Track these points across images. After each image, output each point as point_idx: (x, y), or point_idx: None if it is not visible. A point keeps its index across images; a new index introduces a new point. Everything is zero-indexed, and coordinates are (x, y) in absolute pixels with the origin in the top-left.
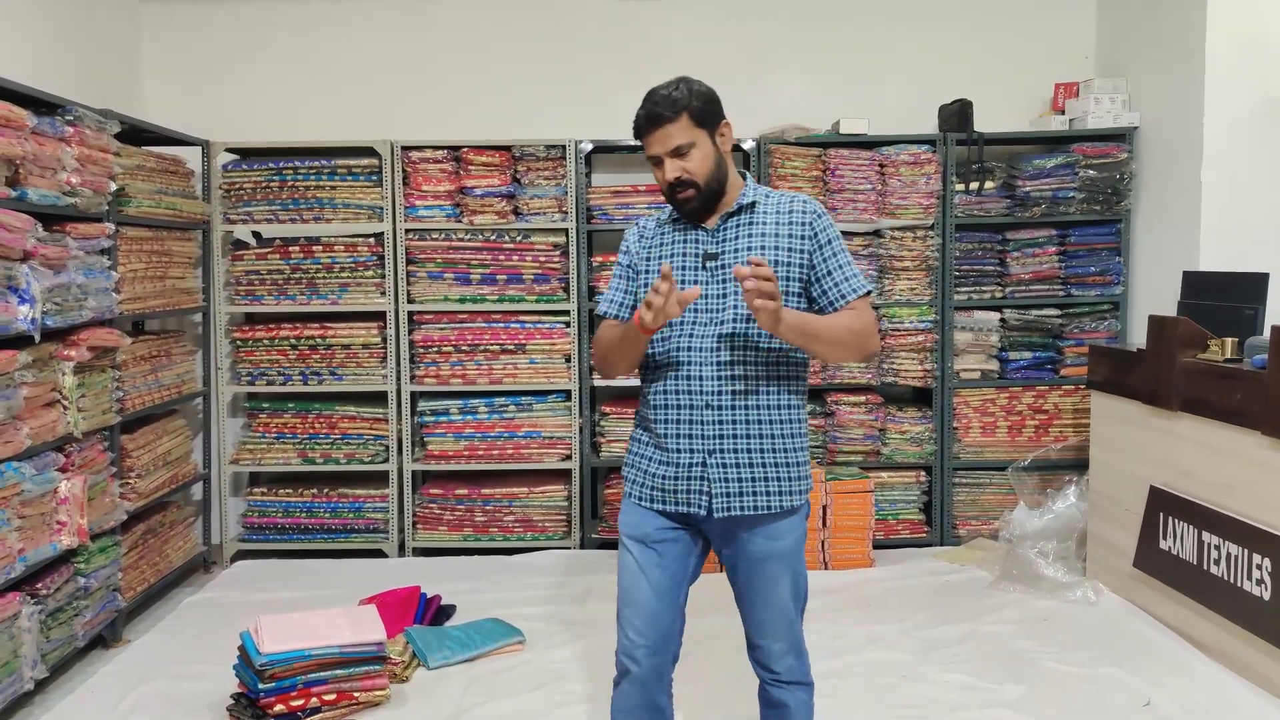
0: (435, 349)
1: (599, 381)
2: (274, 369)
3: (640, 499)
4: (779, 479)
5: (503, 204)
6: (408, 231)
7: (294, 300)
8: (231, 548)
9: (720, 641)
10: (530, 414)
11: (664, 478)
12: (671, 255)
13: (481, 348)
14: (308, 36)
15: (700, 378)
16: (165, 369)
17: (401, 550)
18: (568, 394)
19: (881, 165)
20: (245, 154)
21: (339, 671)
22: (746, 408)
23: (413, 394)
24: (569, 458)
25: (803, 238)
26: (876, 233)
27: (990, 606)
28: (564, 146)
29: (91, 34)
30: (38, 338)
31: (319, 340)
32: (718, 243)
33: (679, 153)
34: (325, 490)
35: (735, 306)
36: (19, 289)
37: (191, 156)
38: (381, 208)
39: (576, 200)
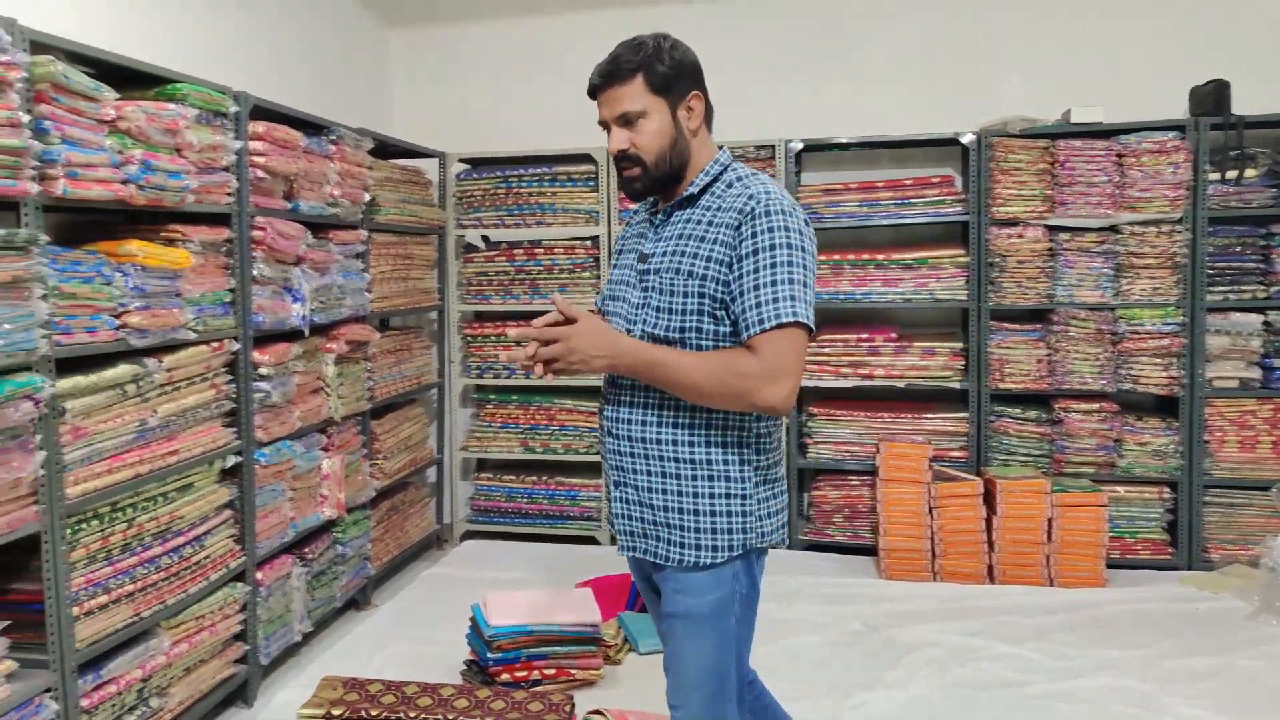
0: None
1: (805, 381)
2: (499, 364)
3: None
4: (682, 528)
5: None
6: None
7: (518, 299)
8: (460, 527)
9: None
10: None
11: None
12: (626, 251)
13: None
14: (528, 54)
15: (605, 398)
16: (407, 361)
17: (613, 539)
18: None
19: (1119, 155)
20: (476, 164)
21: (558, 649)
22: (646, 440)
23: None
24: None
25: (723, 244)
26: (1113, 228)
27: (1248, 640)
28: (773, 146)
29: (350, 60)
30: (307, 332)
31: None
32: (656, 239)
33: (627, 120)
34: (544, 478)
35: (644, 321)
36: (293, 289)
37: (430, 167)
38: (597, 211)
39: None
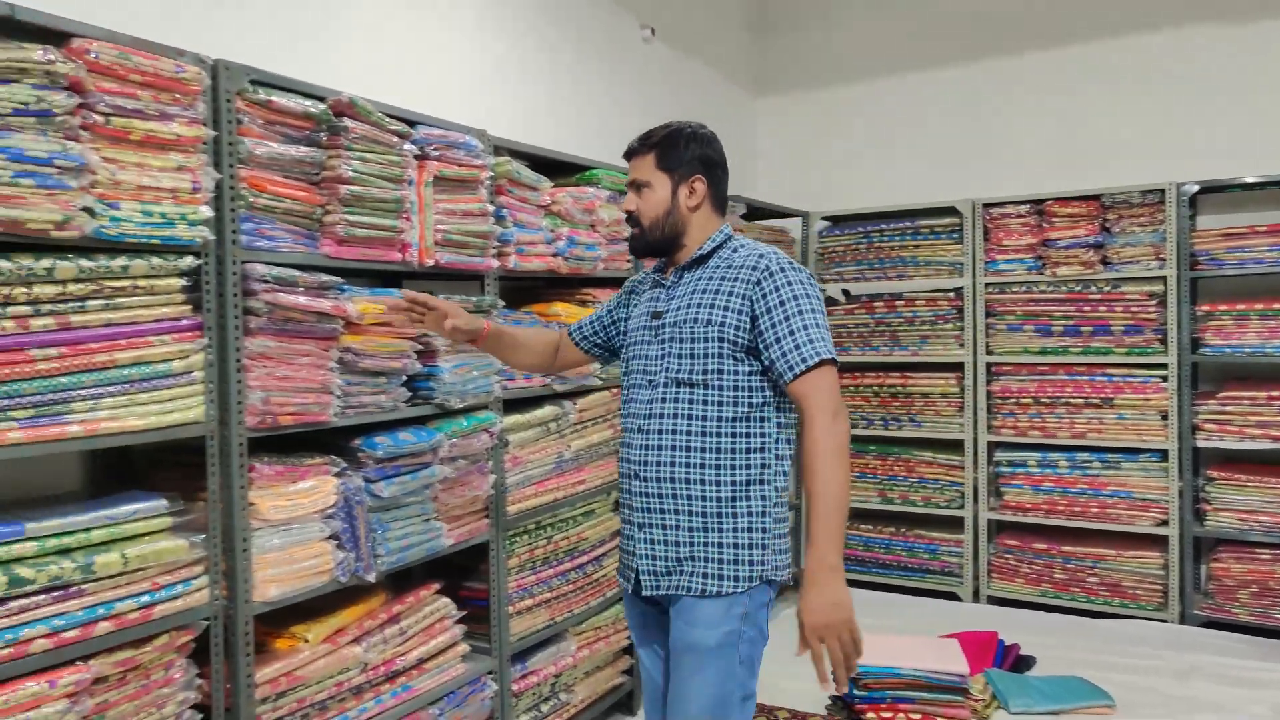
0: (1014, 400)
1: (1203, 442)
2: (858, 413)
3: (621, 573)
4: (706, 560)
5: (1089, 254)
6: (987, 285)
7: (877, 351)
8: None
9: None
10: (1118, 472)
11: (623, 553)
12: (638, 313)
13: (1063, 400)
14: (890, 110)
15: (630, 444)
16: None
17: (975, 596)
18: (1164, 454)
19: None
20: (837, 220)
21: (923, 694)
22: (675, 481)
23: (989, 443)
24: (1165, 523)
25: (743, 297)
26: None
27: None
28: (1162, 190)
29: (723, 132)
30: None
31: (899, 388)
32: (669, 299)
33: (637, 187)
34: (902, 529)
35: (667, 370)
36: None
37: (793, 226)
38: (961, 263)
39: (1178, 246)
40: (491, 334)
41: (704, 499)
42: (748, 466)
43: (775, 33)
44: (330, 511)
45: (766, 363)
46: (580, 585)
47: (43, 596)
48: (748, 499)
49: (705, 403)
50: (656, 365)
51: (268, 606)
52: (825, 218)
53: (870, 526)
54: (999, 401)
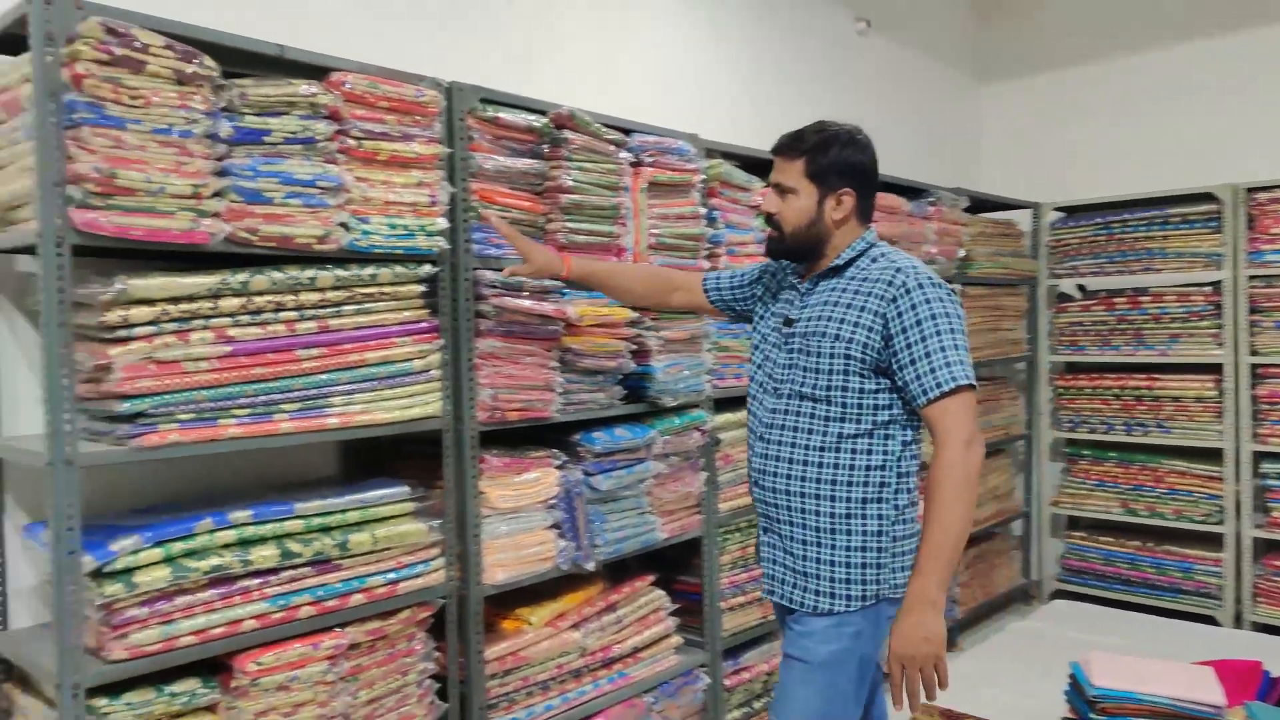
0: None
1: None
2: (1096, 417)
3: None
4: (818, 576)
5: None
6: (1251, 278)
7: (1117, 350)
8: (1049, 585)
9: None
10: None
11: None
12: (771, 314)
13: None
14: (1132, 92)
15: (752, 450)
16: (994, 412)
17: (1237, 622)
18: None
19: None
20: (1072, 211)
21: None
22: (790, 494)
23: (1254, 453)
24: None
25: (876, 313)
26: None
27: None
28: None
29: (943, 121)
30: None
31: (1145, 391)
32: (801, 306)
33: (782, 190)
34: (1149, 544)
35: (792, 381)
36: None
37: (1022, 218)
38: (1220, 254)
39: None
40: (576, 271)
41: (818, 514)
42: (866, 484)
43: (999, 14)
44: (552, 502)
45: (900, 384)
46: None
47: (308, 569)
48: (864, 517)
49: (828, 419)
50: (783, 374)
51: (496, 589)
52: (1059, 208)
53: (1111, 539)
54: (1266, 408)
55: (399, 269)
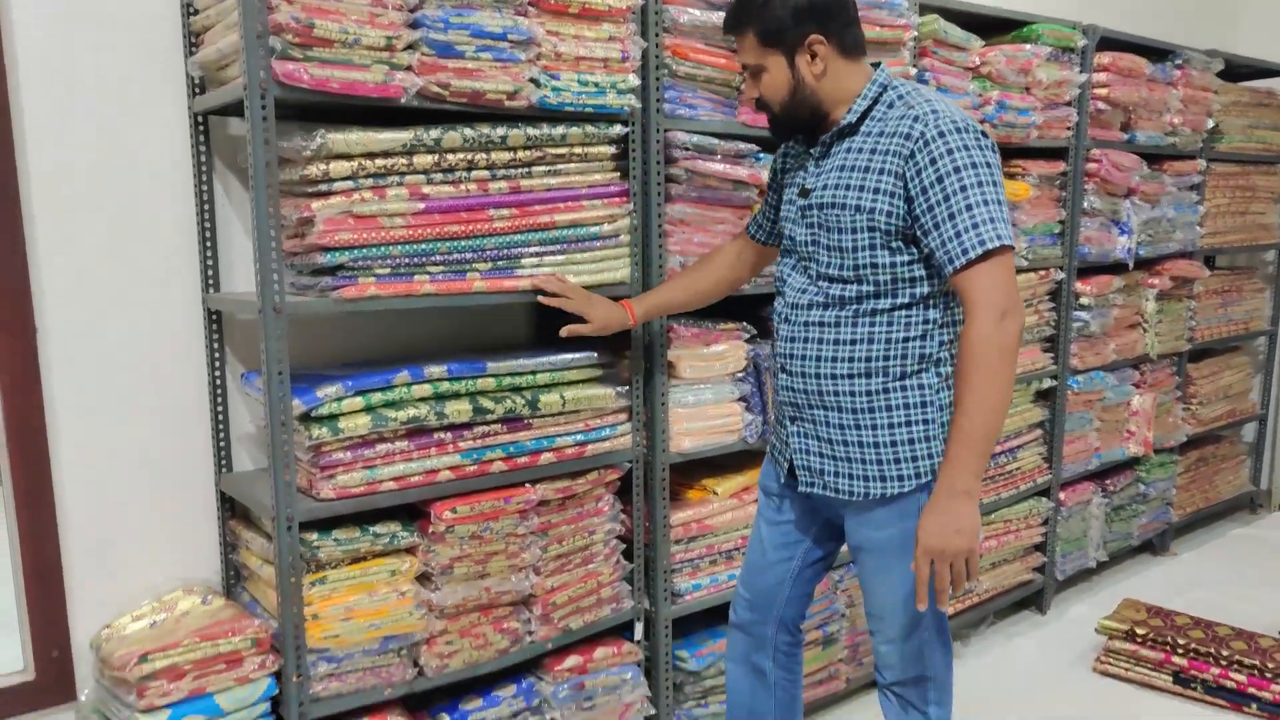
0: None
1: None
2: None
3: (771, 447)
4: (863, 461)
5: None
6: None
7: None
8: None
9: None
10: None
11: (776, 432)
12: (789, 185)
13: None
14: None
15: (778, 334)
16: (1234, 304)
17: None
18: None
19: None
20: None
21: None
22: (819, 376)
23: None
24: None
25: (895, 175)
26: None
27: None
28: None
29: None
30: (1130, 265)
31: None
32: (816, 172)
33: (751, 72)
34: None
35: (816, 261)
36: (1121, 221)
37: None
38: None
39: None
40: (641, 314)
41: (853, 394)
42: (904, 356)
43: None
44: (740, 375)
45: (926, 251)
46: (992, 474)
47: (499, 426)
48: (904, 389)
49: (860, 297)
50: (807, 251)
51: (682, 457)
52: None
53: None
54: None
55: (589, 129)
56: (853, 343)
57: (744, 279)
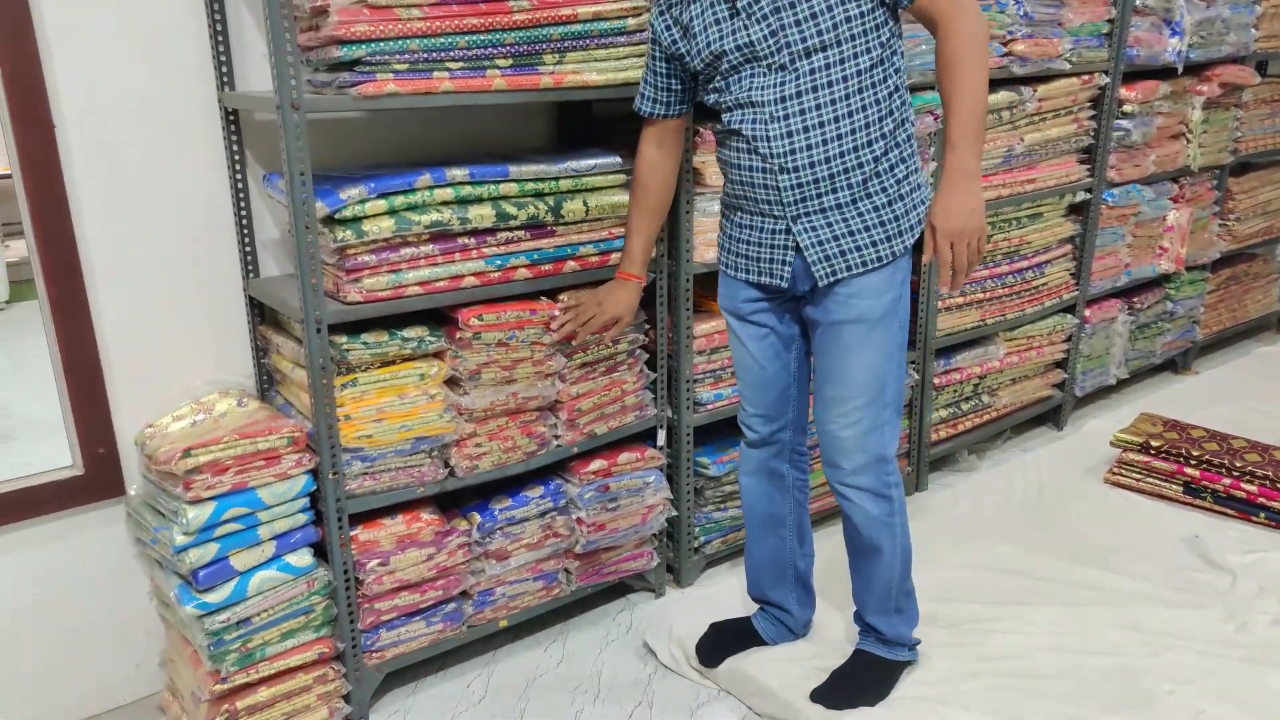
0: None
1: None
2: None
3: (728, 267)
4: (872, 227)
5: None
6: None
7: None
8: None
9: None
10: None
11: (748, 244)
12: (703, 20)
13: None
14: None
15: (767, 138)
16: (1278, 115)
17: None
18: None
19: None
20: None
21: None
22: (829, 158)
23: None
24: None
25: None
26: None
27: None
28: None
29: None
30: (1179, 70)
31: None
32: None
33: None
34: None
35: (788, 45)
36: (1173, 21)
37: None
38: None
39: None
40: (642, 265)
41: (860, 166)
42: (890, 114)
43: None
44: None
45: None
46: (1017, 290)
47: (522, 232)
48: (898, 145)
49: (842, 61)
50: (775, 44)
51: (706, 268)
52: None
53: None
54: None
55: None
56: (850, 114)
57: (680, 161)
